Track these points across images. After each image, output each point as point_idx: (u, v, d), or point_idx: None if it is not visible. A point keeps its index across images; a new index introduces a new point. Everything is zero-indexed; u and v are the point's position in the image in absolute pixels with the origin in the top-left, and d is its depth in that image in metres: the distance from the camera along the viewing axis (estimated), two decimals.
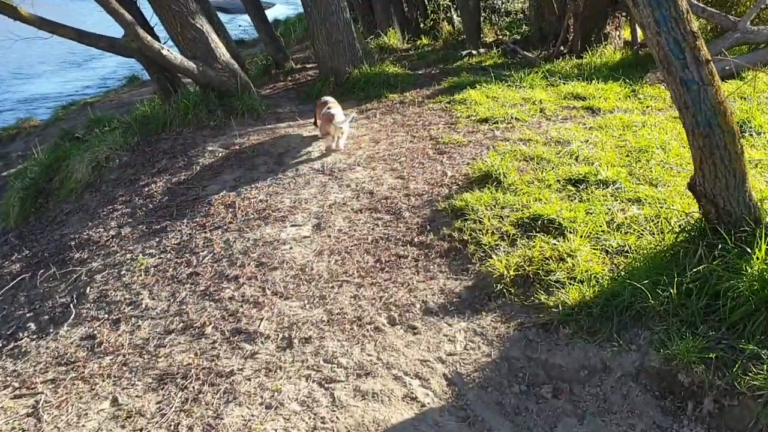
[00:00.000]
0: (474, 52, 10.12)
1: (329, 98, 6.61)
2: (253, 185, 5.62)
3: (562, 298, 3.47)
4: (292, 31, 16.90)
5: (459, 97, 7.47)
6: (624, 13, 9.86)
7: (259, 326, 3.59)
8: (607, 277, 3.58)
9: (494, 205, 4.55)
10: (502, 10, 14.10)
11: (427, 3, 12.92)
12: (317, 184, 5.51)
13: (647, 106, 6.82)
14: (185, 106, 7.07)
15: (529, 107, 6.99)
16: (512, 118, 6.62)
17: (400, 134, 6.52)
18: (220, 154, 6.34)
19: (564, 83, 7.86)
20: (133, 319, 3.95)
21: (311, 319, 3.60)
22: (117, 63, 16.44)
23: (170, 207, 5.49)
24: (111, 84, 14.69)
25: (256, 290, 3.99)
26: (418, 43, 11.76)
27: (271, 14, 24.40)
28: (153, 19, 7.47)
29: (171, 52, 6.94)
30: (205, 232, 4.93)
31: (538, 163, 5.27)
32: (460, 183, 5.15)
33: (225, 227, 4.96)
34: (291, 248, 4.47)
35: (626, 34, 10.09)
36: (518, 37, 11.57)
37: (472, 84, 7.93)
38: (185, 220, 5.20)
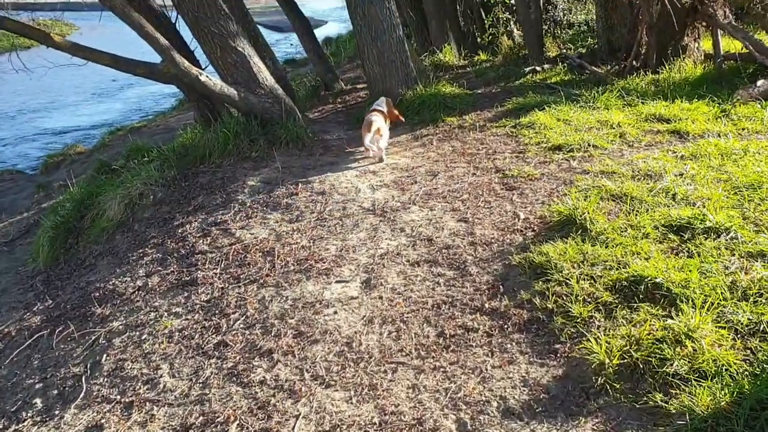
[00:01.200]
0: (538, 68, 9.25)
1: (381, 101, 6.56)
2: (294, 227, 4.92)
3: (686, 402, 2.59)
4: (343, 49, 16.36)
5: (526, 121, 6.63)
6: (704, 23, 8.81)
7: (293, 427, 2.84)
8: (746, 372, 2.69)
9: (582, 261, 3.69)
10: (564, 22, 13.18)
11: (484, 17, 12.11)
12: (367, 226, 4.77)
13: (743, 129, 5.82)
14: (225, 136, 6.47)
15: (606, 132, 6.09)
16: (589, 145, 5.74)
17: (460, 165, 5.72)
18: (261, 190, 5.68)
19: (642, 103, 6.91)
20: (147, 404, 3.27)
21: (359, 419, 2.83)
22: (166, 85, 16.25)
23: (204, 253, 4.84)
24: (164, 104, 14.41)
25: (292, 371, 3.25)
26: (476, 59, 10.96)
27: (323, 32, 24.05)
28: (193, 43, 6.93)
29: (210, 78, 6.36)
30: (239, 287, 4.24)
31: (628, 204, 4.38)
32: (536, 228, 4.31)
33: (261, 280, 4.26)
34: (335, 313, 3.72)
35: (706, 45, 9.02)
36: (583, 51, 10.63)
37: (540, 105, 7.07)
38: (218, 270, 4.54)
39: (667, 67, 8.10)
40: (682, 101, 6.75)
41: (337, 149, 6.73)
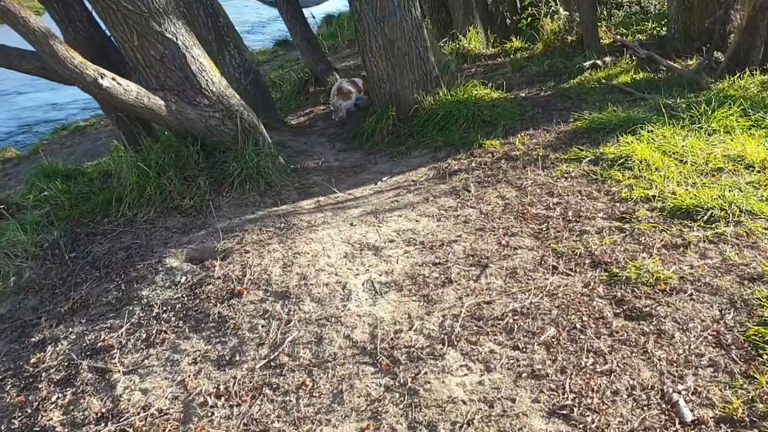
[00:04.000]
0: (599, 62, 6.75)
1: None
2: (222, 382, 2.53)
3: None
4: (341, 31, 13.78)
5: (612, 152, 4.17)
6: None
7: None
8: None
9: None
10: (611, 1, 10.62)
11: None
12: (361, 397, 2.36)
13: None
14: (141, 174, 4.04)
15: (753, 178, 3.65)
16: (739, 209, 3.30)
17: (524, 243, 3.27)
18: (182, 282, 3.27)
19: None
20: None
21: None
22: None
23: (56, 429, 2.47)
24: None
25: None
26: (508, 46, 8.43)
27: (322, 9, 21.27)
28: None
29: (119, 82, 3.90)
30: None
31: None
32: None
33: None
34: None
35: None
36: (643, 39, 8.11)
37: (626, 124, 4.60)
38: None
39: None
40: None
41: (321, 190, 4.29)
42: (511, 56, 8.09)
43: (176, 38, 4.12)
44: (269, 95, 6.22)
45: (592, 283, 2.83)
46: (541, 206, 3.64)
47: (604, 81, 6.25)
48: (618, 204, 3.55)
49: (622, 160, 4.04)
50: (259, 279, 3.15)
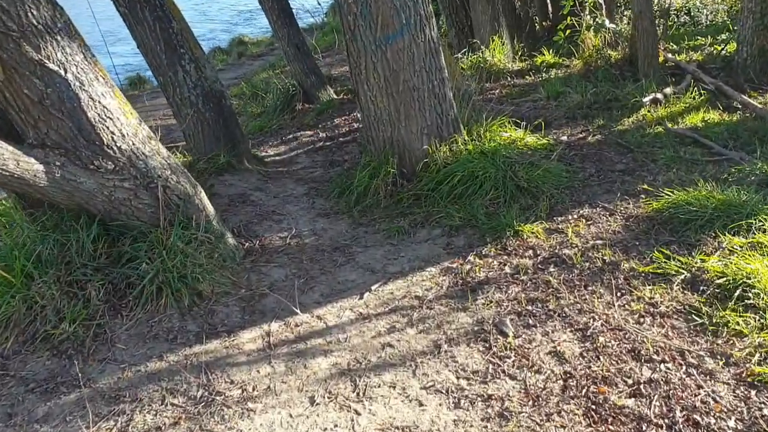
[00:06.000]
0: (659, 95, 5.24)
1: None
2: None
3: None
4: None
5: (715, 269, 2.69)
6: None
7: None
8: None
9: None
10: (656, 11, 9.04)
11: None
12: None
13: None
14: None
15: None
16: None
17: None
18: None
19: None
20: None
21: None
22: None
23: None
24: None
25: None
26: (539, 61, 6.91)
27: None
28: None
29: None
30: None
31: None
32: None
33: None
34: None
35: None
36: (700, 59, 6.58)
37: (727, 213, 3.10)
38: None
39: None
40: None
41: (278, 306, 2.81)
42: (543, 73, 6.58)
43: (65, 70, 2.64)
44: (236, 123, 4.73)
45: None
46: (624, 387, 2.17)
47: (669, 123, 4.75)
48: (753, 392, 2.09)
49: (737, 288, 2.57)
50: None
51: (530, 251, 3.07)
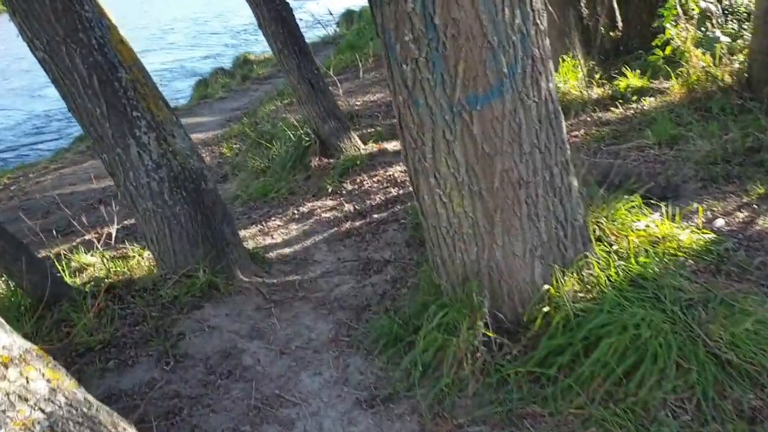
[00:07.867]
0: None
1: None
2: None
3: None
4: (366, 36, 10.61)
5: None
6: None
7: None
8: None
9: None
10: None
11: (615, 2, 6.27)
12: None
13: None
14: None
15: None
16: None
17: None
18: None
19: None
20: None
21: None
22: None
23: None
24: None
25: None
26: (622, 86, 5.23)
27: (341, 4, 17.74)
28: None
29: None
30: None
31: None
32: None
33: None
34: None
35: None
36: None
37: None
38: None
39: None
40: None
41: None
42: (633, 103, 4.93)
43: None
44: (223, 216, 3.12)
45: None
46: None
47: None
48: None
49: None
50: None
51: None
